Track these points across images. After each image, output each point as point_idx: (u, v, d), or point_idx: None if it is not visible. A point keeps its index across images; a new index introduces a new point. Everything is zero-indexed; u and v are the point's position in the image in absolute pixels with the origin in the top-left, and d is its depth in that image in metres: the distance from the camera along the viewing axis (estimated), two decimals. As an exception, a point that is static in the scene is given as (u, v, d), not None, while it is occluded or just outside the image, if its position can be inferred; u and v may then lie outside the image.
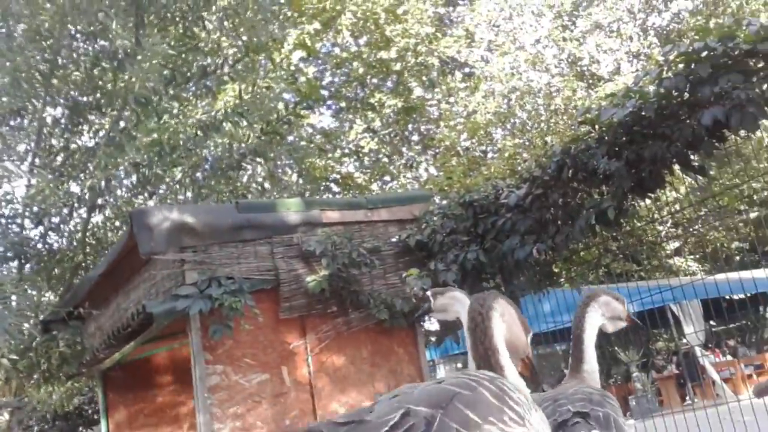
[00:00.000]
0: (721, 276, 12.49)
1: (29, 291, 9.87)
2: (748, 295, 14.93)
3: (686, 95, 5.72)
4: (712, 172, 7.42)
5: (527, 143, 17.35)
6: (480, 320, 2.06)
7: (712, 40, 5.37)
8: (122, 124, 9.91)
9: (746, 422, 6.22)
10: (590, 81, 19.66)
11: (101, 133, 9.84)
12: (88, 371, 9.43)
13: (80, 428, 13.61)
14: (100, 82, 9.81)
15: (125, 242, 7.23)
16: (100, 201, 10.09)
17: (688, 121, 5.73)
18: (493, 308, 2.09)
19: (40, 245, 10.29)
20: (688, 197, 11.43)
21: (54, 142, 10.39)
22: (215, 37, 10.47)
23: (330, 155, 18.72)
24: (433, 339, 9.65)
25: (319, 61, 20.43)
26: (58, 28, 9.20)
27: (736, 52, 5.37)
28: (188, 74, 10.32)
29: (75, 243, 10.63)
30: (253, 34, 10.55)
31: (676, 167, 6.17)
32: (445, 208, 7.91)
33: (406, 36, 18.36)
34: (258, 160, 10.99)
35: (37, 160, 10.04)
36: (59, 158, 10.27)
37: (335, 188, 19.60)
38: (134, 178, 10.36)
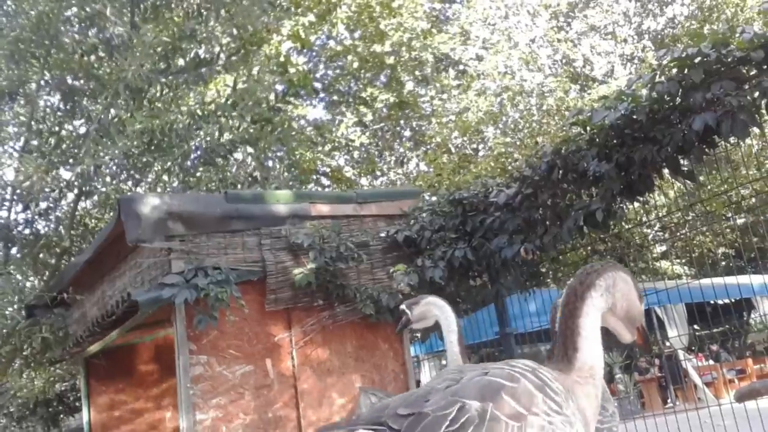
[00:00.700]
0: (706, 281, 12.54)
1: (14, 275, 9.82)
2: (733, 300, 15.01)
3: (678, 100, 5.73)
4: (701, 178, 7.44)
5: (518, 143, 17.37)
6: (573, 299, 2.05)
7: (705, 46, 5.38)
8: (114, 111, 9.85)
9: (726, 426, 6.26)
10: (583, 83, 19.71)
11: (93, 120, 9.77)
12: (71, 358, 9.39)
13: (62, 415, 13.54)
14: (94, 69, 9.75)
15: (112, 229, 7.19)
16: (88, 187, 10.03)
17: (679, 125, 5.74)
18: (593, 286, 2.06)
19: (27, 230, 10.24)
20: (676, 202, 11.48)
21: (45, 126, 10.32)
22: (211, 24, 10.40)
23: (320, 148, 18.68)
24: (418, 335, 9.66)
25: (313, 53, 20.37)
26: (54, 13, 9.14)
27: (729, 59, 5.38)
28: (182, 64, 10.28)
29: (62, 229, 10.57)
30: (249, 22, 10.50)
31: (666, 171, 6.18)
32: (434, 205, 7.92)
33: (400, 30, 18.32)
34: (248, 149, 10.96)
35: (28, 144, 9.99)
36: (50, 142, 10.20)
37: (325, 181, 19.58)
38: (124, 165, 10.32)
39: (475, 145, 19.21)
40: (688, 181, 6.37)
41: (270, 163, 13.39)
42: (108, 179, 10.36)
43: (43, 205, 10.25)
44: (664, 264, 19.43)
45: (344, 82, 20.67)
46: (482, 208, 7.40)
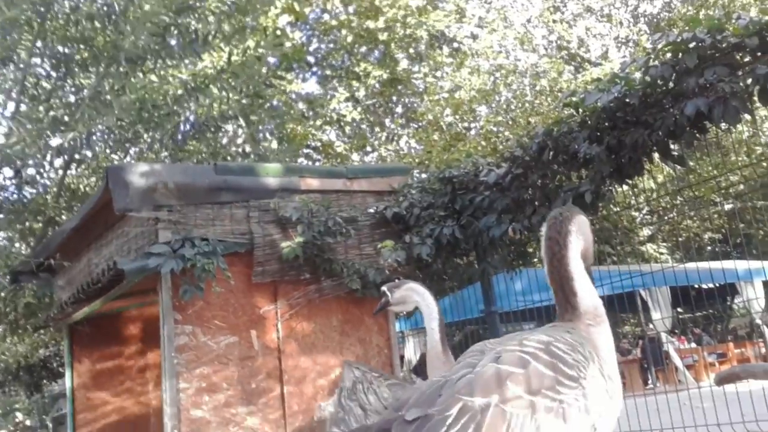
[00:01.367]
0: (691, 265, 12.64)
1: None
2: (717, 285, 15.12)
3: (671, 84, 5.72)
4: (690, 163, 7.46)
5: (510, 122, 17.35)
6: (557, 248, 2.12)
7: (701, 31, 5.36)
8: (109, 81, 9.77)
9: (705, 409, 6.32)
10: (577, 64, 19.67)
11: (86, 89, 9.69)
12: (55, 324, 9.38)
13: (44, 381, 13.56)
14: (89, 39, 9.64)
15: (100, 197, 7.16)
16: (78, 155, 9.98)
17: (671, 110, 5.73)
18: (570, 232, 2.14)
19: (15, 195, 10.18)
20: (665, 186, 11.50)
21: (38, 92, 10.23)
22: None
23: (311, 122, 18.59)
24: (403, 312, 9.68)
25: (307, 27, 20.21)
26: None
27: (723, 45, 5.37)
28: (179, 36, 10.17)
29: (50, 195, 10.52)
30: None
31: (656, 155, 6.19)
32: (424, 182, 7.91)
33: (395, 6, 18.19)
34: (239, 122, 10.91)
35: (18, 110, 9.90)
36: (41, 109, 10.11)
37: (315, 156, 19.51)
38: (115, 135, 10.25)
39: (466, 124, 19.18)
40: (678, 166, 6.38)
41: (261, 137, 13.33)
42: (99, 148, 10.31)
43: (32, 171, 10.19)
44: (651, 247, 19.53)
45: (337, 56, 20.53)
46: (472, 186, 7.40)
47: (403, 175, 8.27)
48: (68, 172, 10.63)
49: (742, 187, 12.92)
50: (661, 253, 19.74)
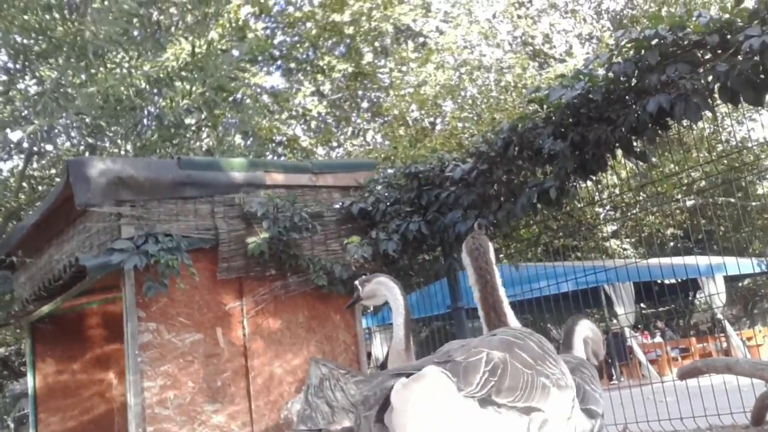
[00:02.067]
0: (654, 261, 12.78)
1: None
2: (679, 280, 15.33)
3: (634, 81, 5.79)
4: (653, 159, 7.55)
5: (475, 118, 17.40)
6: (489, 277, 2.42)
7: (663, 28, 5.43)
8: (69, 73, 9.59)
9: (668, 402, 6.42)
10: (542, 60, 19.79)
11: (47, 81, 9.50)
12: (16, 322, 9.22)
13: (6, 380, 13.34)
14: (49, 29, 9.45)
15: (61, 192, 7.04)
16: (38, 148, 9.80)
17: (633, 106, 5.80)
18: (491, 260, 2.48)
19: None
20: (628, 182, 11.63)
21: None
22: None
23: (277, 116, 18.46)
24: (370, 308, 9.69)
25: (271, 19, 20.05)
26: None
27: (685, 42, 5.44)
28: (142, 28, 10.02)
29: (10, 190, 10.33)
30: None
31: (619, 152, 6.26)
32: (390, 178, 7.91)
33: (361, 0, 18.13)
34: (203, 116, 10.81)
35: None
36: (0, 100, 9.91)
37: (281, 150, 19.39)
38: (77, 129, 10.08)
39: (432, 119, 19.20)
40: (641, 162, 6.45)
41: (225, 130, 13.22)
42: (60, 141, 10.14)
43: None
44: (614, 243, 19.75)
45: (302, 49, 20.40)
46: (438, 182, 7.41)
47: (369, 170, 8.26)
48: (29, 166, 10.44)
49: (703, 183, 13.11)
50: (625, 249, 19.98)
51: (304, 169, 7.84)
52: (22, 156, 10.17)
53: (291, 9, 19.82)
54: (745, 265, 15.49)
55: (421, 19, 19.07)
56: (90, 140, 10.58)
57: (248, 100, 14.84)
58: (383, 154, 16.78)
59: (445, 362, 1.91)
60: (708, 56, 5.50)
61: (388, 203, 7.59)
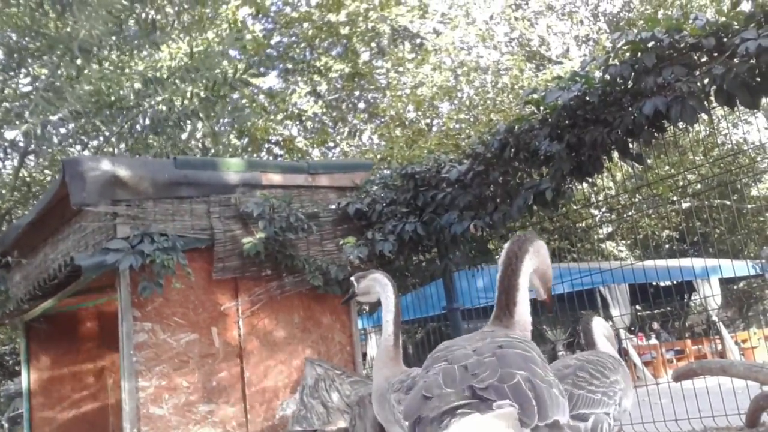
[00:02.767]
0: (649, 263, 12.80)
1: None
2: (675, 282, 15.35)
3: (630, 83, 5.79)
4: (649, 161, 7.56)
5: (472, 119, 17.41)
6: (514, 260, 2.40)
7: (659, 30, 5.43)
8: (63, 71, 9.57)
9: (663, 404, 6.42)
10: (538, 62, 19.81)
11: (41, 79, 9.48)
12: (11, 321, 9.20)
13: (0, 379, 13.31)
14: (42, 27, 9.43)
15: (56, 191, 7.03)
16: (33, 147, 9.77)
17: (629, 109, 5.81)
18: (528, 251, 2.43)
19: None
20: (624, 184, 11.65)
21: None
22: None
23: (273, 116, 18.44)
24: (366, 308, 9.69)
25: (269, 20, 20.04)
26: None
27: (681, 45, 5.45)
28: (137, 26, 10.01)
29: (5, 189, 10.30)
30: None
31: (615, 154, 6.26)
32: (386, 179, 7.91)
33: (357, 0, 18.12)
34: (200, 116, 10.78)
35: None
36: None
37: (277, 151, 19.37)
38: (71, 126, 10.06)
39: (428, 120, 19.20)
40: (636, 164, 6.46)
41: (222, 131, 13.20)
42: (55, 140, 10.10)
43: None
44: (610, 245, 19.77)
45: (299, 50, 20.38)
46: (434, 183, 7.42)
47: (365, 171, 8.26)
48: (24, 165, 10.41)
49: (699, 185, 13.13)
50: (620, 251, 20.00)
51: (300, 170, 7.83)
52: (18, 155, 10.14)
53: (288, 9, 19.81)
54: (740, 268, 15.49)
55: (419, 20, 19.07)
56: (86, 139, 10.56)
57: (244, 101, 14.83)
58: (379, 154, 16.80)
59: (501, 390, 1.84)
60: (704, 59, 5.51)
61: (384, 204, 7.58)
